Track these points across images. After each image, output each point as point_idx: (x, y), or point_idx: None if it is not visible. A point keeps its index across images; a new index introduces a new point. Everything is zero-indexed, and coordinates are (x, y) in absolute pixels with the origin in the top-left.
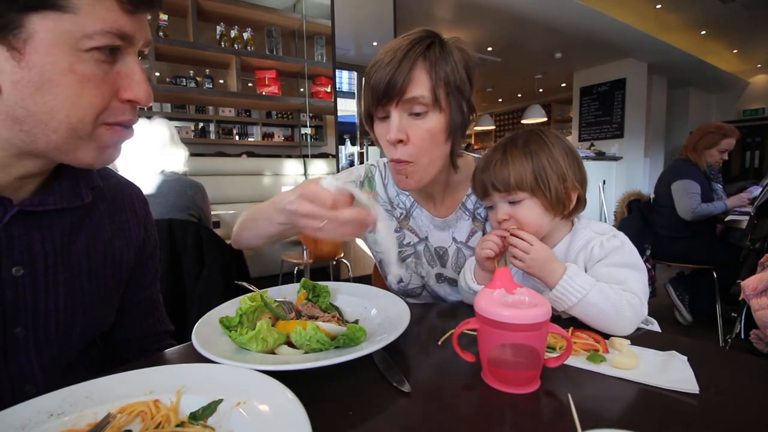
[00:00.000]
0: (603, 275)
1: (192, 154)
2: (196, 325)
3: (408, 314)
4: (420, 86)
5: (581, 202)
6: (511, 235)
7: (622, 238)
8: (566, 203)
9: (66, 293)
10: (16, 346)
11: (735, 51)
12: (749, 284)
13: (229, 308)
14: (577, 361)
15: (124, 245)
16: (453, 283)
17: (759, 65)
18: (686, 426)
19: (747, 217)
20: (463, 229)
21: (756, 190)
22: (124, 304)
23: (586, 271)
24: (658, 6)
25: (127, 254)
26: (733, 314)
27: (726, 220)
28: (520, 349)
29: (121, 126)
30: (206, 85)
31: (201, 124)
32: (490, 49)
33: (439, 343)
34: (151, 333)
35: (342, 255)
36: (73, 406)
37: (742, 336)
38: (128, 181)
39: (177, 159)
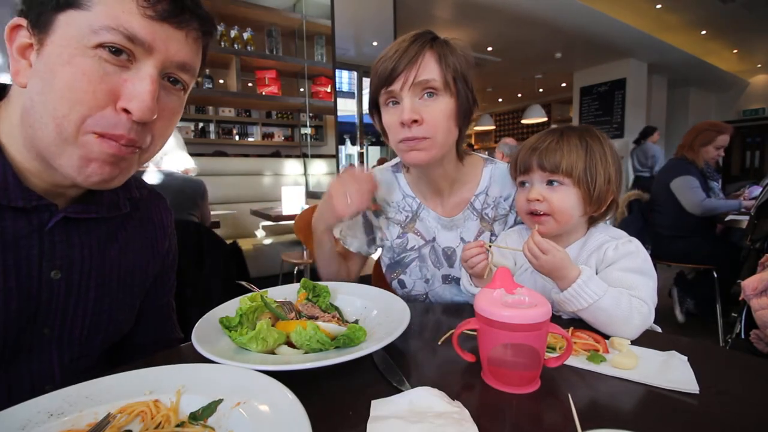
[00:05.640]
0: (614, 279)
1: (192, 154)
2: (196, 325)
3: (408, 314)
4: (430, 70)
5: (612, 207)
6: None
7: (637, 243)
8: (601, 204)
9: (95, 298)
10: (41, 346)
11: (735, 51)
12: (749, 284)
13: (229, 308)
14: (577, 361)
15: (151, 255)
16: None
17: (759, 65)
18: (686, 426)
19: (747, 217)
20: (470, 229)
21: (756, 190)
22: (143, 310)
23: (597, 273)
24: (659, 6)
25: (153, 264)
26: (733, 314)
27: (726, 219)
28: (521, 349)
29: (111, 140)
30: (206, 85)
31: (201, 124)
32: (490, 49)
33: (439, 343)
34: (164, 339)
35: None
36: (73, 406)
37: (743, 336)
38: (157, 192)
39: (177, 162)
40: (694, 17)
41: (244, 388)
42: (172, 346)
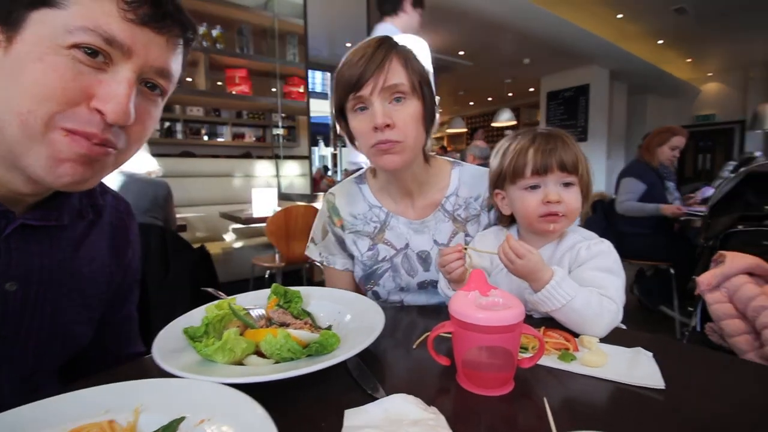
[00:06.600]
0: (586, 278)
1: (158, 155)
2: (157, 336)
3: (383, 318)
4: (398, 75)
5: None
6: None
7: (608, 244)
8: (586, 203)
9: (53, 311)
10: None
11: (688, 60)
12: (704, 280)
13: (194, 317)
14: (549, 360)
15: (114, 265)
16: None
17: (710, 74)
18: (655, 420)
19: (701, 217)
20: (443, 231)
21: (708, 191)
22: (103, 323)
23: (570, 272)
24: (620, 15)
25: (116, 273)
26: (689, 308)
27: (682, 219)
28: (495, 352)
29: (82, 137)
30: None
31: (167, 124)
32: (461, 53)
33: (414, 346)
34: (125, 353)
35: None
36: (19, 431)
37: (698, 329)
38: (121, 197)
39: (139, 163)
40: (651, 27)
41: (209, 404)
42: (134, 360)
